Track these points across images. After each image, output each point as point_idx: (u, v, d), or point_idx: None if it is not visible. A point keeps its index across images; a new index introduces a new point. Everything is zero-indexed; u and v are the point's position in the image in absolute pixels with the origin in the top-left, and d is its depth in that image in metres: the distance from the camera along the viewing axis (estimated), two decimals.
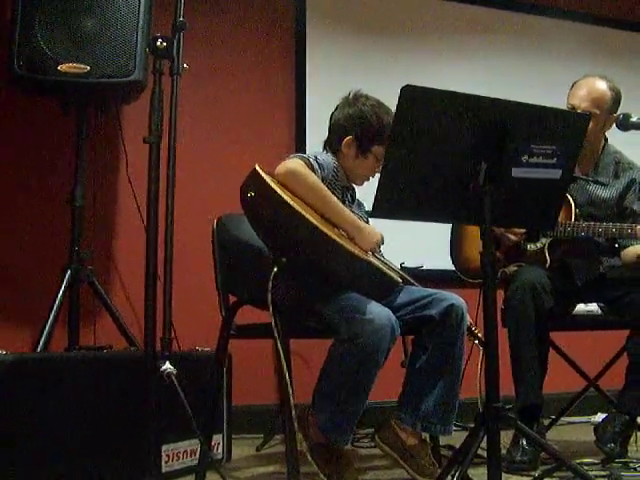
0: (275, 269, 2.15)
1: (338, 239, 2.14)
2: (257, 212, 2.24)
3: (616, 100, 2.89)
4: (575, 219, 2.83)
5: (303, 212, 2.12)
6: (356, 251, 2.17)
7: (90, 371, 2.34)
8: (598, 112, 2.82)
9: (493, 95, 1.98)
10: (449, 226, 3.11)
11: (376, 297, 2.21)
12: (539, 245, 2.88)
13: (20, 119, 3.35)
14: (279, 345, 2.16)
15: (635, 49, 4.51)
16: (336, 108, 2.55)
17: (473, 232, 2.96)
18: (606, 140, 3.00)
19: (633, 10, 4.56)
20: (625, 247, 2.89)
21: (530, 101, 2.03)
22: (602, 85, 2.87)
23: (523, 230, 2.88)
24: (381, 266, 2.22)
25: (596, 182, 2.95)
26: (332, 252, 2.13)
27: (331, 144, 2.53)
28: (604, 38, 4.43)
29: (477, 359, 2.48)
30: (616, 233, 2.75)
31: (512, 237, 2.89)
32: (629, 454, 2.67)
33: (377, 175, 2.46)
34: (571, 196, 2.84)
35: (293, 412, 2.13)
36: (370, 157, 2.48)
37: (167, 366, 1.97)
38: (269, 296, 2.14)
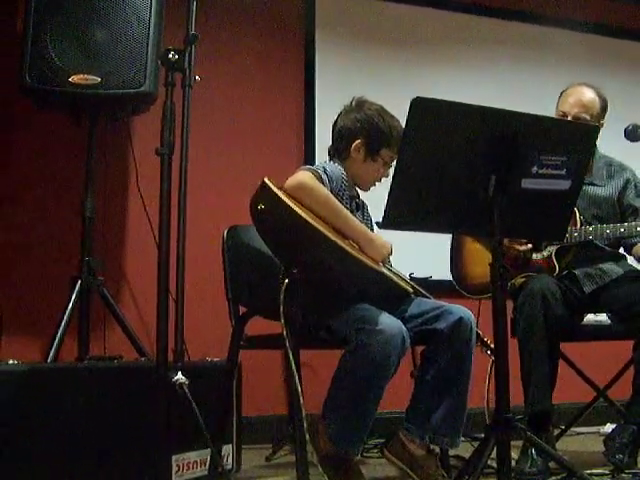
0: (286, 281, 2.15)
1: (351, 250, 2.15)
2: (267, 225, 2.25)
3: (604, 107, 2.95)
4: (580, 224, 2.84)
5: (315, 224, 2.13)
6: (369, 262, 2.18)
7: (100, 381, 2.35)
8: (588, 118, 2.87)
9: (501, 106, 2.00)
10: None
11: (388, 308, 2.21)
12: (546, 254, 2.88)
13: (31, 131, 3.38)
14: (290, 356, 2.16)
15: (635, 58, 4.53)
16: (339, 115, 2.55)
17: (472, 249, 2.97)
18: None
19: (633, 18, 4.57)
20: (633, 245, 2.90)
21: (532, 111, 2.05)
22: (591, 93, 2.93)
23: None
24: (393, 277, 2.23)
25: (592, 184, 2.97)
26: (345, 263, 2.14)
27: (337, 150, 2.53)
28: (607, 47, 4.45)
29: (484, 368, 2.48)
30: (625, 232, 2.76)
31: (519, 247, 2.89)
32: (638, 465, 2.65)
33: (383, 180, 2.48)
34: None
35: (304, 423, 2.13)
36: (379, 160, 2.48)
37: (179, 376, 1.97)
38: (282, 308, 2.14)
